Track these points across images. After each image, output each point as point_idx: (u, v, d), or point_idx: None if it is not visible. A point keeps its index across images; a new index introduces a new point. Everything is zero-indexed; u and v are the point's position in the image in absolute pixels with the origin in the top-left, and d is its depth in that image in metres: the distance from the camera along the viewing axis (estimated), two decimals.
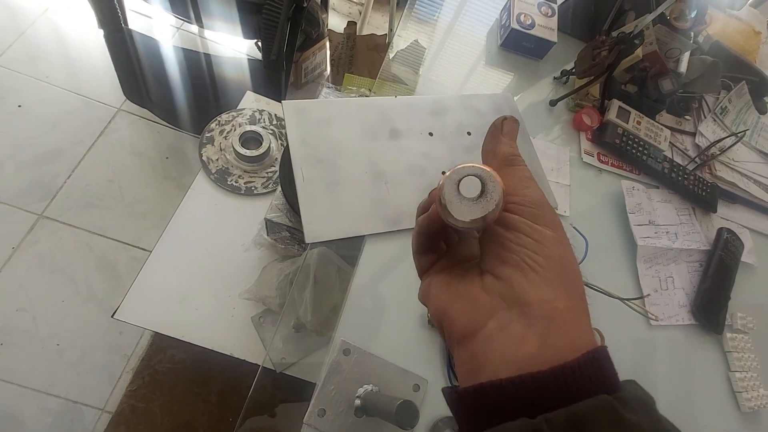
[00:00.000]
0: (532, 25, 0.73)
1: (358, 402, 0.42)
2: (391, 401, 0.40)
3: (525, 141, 0.67)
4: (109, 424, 1.08)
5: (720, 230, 0.67)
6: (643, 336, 0.59)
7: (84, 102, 1.45)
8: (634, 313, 0.57)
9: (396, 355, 0.49)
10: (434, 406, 0.48)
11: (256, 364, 0.83)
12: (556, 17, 0.75)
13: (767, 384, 0.61)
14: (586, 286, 0.55)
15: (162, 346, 1.18)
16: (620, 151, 0.69)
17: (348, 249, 0.63)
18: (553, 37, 0.73)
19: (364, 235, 0.55)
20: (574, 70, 0.72)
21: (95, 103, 1.45)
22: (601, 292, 0.55)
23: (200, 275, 0.82)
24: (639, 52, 0.65)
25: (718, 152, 0.76)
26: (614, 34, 0.66)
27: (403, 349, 0.50)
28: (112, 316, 0.77)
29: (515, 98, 0.74)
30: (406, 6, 0.79)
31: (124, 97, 1.37)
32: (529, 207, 0.22)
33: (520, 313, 0.20)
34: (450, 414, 0.47)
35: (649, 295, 0.53)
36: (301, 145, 0.57)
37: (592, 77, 0.69)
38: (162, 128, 1.45)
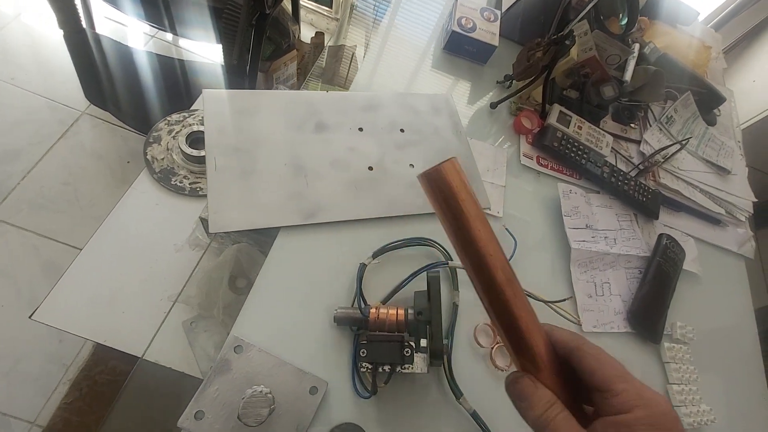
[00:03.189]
0: (474, 29, 0.73)
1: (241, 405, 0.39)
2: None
3: (461, 140, 0.66)
4: None
5: (660, 236, 0.65)
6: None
7: (48, 104, 1.43)
8: (564, 319, 0.54)
9: (298, 355, 0.45)
10: (332, 411, 0.44)
11: (187, 375, 0.78)
12: (498, 22, 0.75)
13: (708, 399, 0.58)
14: None
15: (104, 357, 1.12)
16: (559, 154, 0.68)
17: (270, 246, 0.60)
18: (494, 41, 0.73)
19: (277, 228, 0.52)
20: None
21: (59, 106, 1.44)
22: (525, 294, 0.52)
23: (132, 277, 0.78)
24: (574, 53, 0.65)
25: (662, 160, 0.75)
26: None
27: (306, 349, 0.46)
28: (29, 317, 0.72)
29: (458, 101, 0.73)
30: (351, 9, 0.79)
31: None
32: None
33: None
34: (348, 420, 0.43)
35: (571, 297, 0.51)
36: (217, 133, 0.55)
37: (530, 79, 0.68)
38: (126, 133, 1.43)
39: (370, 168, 0.59)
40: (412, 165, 0.61)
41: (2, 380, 1.05)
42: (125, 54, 1.31)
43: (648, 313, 0.59)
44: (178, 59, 1.43)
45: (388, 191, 0.58)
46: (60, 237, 1.24)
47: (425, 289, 0.46)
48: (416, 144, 0.63)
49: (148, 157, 0.90)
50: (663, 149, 0.76)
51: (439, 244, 0.55)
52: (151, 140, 0.93)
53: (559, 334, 0.28)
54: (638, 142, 0.78)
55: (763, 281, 1.53)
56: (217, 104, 0.57)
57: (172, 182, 0.89)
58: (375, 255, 0.52)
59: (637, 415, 0.25)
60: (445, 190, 0.26)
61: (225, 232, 0.63)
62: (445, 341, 0.41)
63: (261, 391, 0.42)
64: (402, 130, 0.64)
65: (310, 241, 0.52)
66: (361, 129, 0.62)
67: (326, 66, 1.56)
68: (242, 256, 0.59)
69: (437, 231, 0.57)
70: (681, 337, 0.60)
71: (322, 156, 0.58)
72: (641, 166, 0.74)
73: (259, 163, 0.54)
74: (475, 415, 0.46)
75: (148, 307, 0.77)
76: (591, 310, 0.58)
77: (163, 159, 0.91)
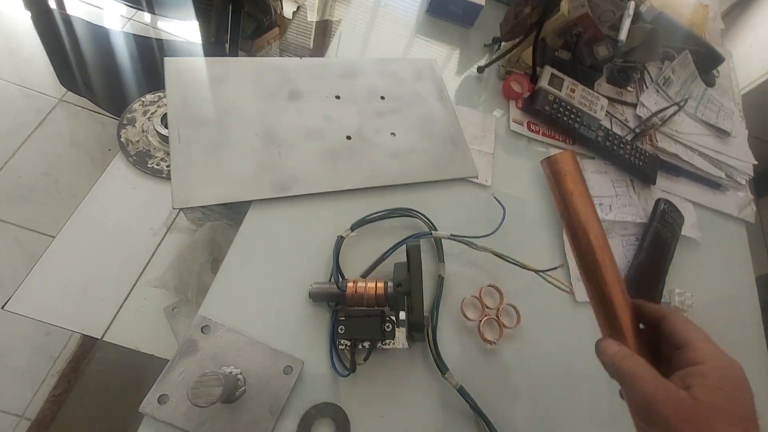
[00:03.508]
0: None
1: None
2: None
3: (446, 107, 0.62)
4: None
5: (657, 201, 0.62)
6: (568, 312, 0.53)
7: (22, 93, 1.38)
8: (556, 288, 0.51)
9: (272, 334, 0.43)
10: (309, 391, 0.41)
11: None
12: None
13: None
14: (501, 258, 0.49)
15: (92, 348, 1.10)
16: (551, 119, 0.64)
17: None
18: (480, 0, 0.69)
19: (248, 202, 0.48)
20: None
21: (34, 94, 1.38)
22: (514, 264, 0.49)
23: (108, 263, 0.75)
24: (565, 9, 0.60)
25: (660, 122, 0.71)
26: None
27: (280, 327, 0.43)
28: (1, 308, 0.69)
29: (443, 66, 0.69)
30: None
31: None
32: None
33: None
34: (327, 400, 0.40)
35: (562, 264, 0.48)
36: (181, 104, 0.51)
37: (519, 39, 0.64)
38: (105, 119, 1.38)
39: (348, 137, 0.55)
40: (393, 133, 0.57)
41: None
42: (98, 35, 1.25)
43: (645, 281, 0.56)
44: (156, 39, 1.37)
45: (368, 161, 0.54)
46: (42, 228, 1.20)
47: (406, 260, 0.43)
48: (398, 111, 0.60)
49: (123, 140, 0.86)
50: (660, 111, 0.72)
51: (422, 215, 0.51)
52: (125, 122, 0.89)
53: (650, 306, 0.33)
54: (634, 105, 0.74)
55: (764, 248, 1.51)
56: (180, 73, 0.53)
57: (149, 165, 0.86)
58: (353, 227, 0.48)
59: (711, 366, 0.29)
60: (558, 172, 0.34)
61: (201, 212, 0.59)
62: (426, 314, 0.38)
63: (231, 372, 0.39)
64: (382, 98, 0.60)
65: (283, 215, 0.49)
66: (338, 97, 0.58)
67: (314, 43, 1.50)
68: (218, 236, 0.56)
69: (420, 201, 0.54)
70: (679, 304, 0.57)
71: (297, 125, 0.54)
72: (637, 130, 0.70)
73: (227, 135, 0.51)
74: (461, 391, 0.43)
75: (126, 293, 0.74)
76: None
77: (138, 141, 0.87)
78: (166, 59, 0.53)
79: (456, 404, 0.44)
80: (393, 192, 0.54)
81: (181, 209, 0.60)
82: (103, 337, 0.65)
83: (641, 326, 0.33)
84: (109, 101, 1.08)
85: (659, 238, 0.59)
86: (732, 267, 0.66)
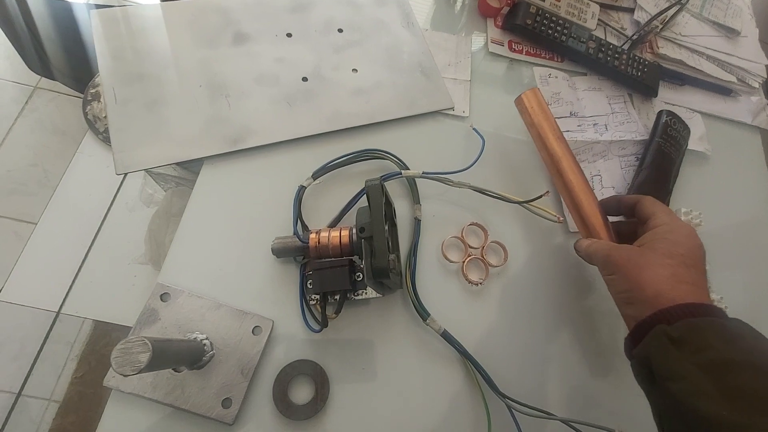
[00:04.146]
0: None
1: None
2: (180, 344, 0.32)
3: (413, 33, 0.56)
4: (57, 414, 1.04)
5: (660, 113, 0.56)
6: (559, 244, 0.49)
7: None
8: (543, 219, 0.46)
9: (237, 296, 0.40)
10: (283, 350, 0.39)
11: None
12: None
13: (717, 287, 0.51)
14: (482, 193, 0.45)
15: (106, 330, 1.12)
16: (534, 34, 0.57)
17: None
18: None
19: (200, 161, 0.45)
20: None
21: (9, 84, 1.34)
22: (497, 198, 0.44)
23: (92, 245, 0.74)
24: None
25: (660, 26, 0.63)
26: None
27: (246, 288, 0.41)
28: None
29: None
30: None
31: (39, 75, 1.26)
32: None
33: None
34: (302, 358, 0.38)
35: (548, 192, 0.43)
36: (113, 60, 0.46)
37: None
38: (81, 100, 1.34)
39: (305, 79, 0.50)
40: (354, 69, 0.52)
41: (12, 364, 1.07)
42: (57, 9, 1.18)
43: None
44: (119, 6, 1.29)
45: (329, 103, 0.49)
46: (37, 219, 1.21)
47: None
48: (359, 44, 0.54)
49: (90, 117, 0.83)
50: (661, 13, 0.63)
51: (391, 155, 0.47)
52: (89, 98, 0.85)
53: (626, 198, 0.42)
54: (631, 10, 0.65)
55: None
56: (109, 25, 0.48)
57: None
58: (315, 175, 0.44)
59: (662, 226, 0.36)
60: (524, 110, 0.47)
61: (173, 180, 0.56)
62: (391, 256, 0.35)
63: (196, 338, 0.37)
64: (340, 30, 0.54)
65: (240, 169, 0.45)
66: (289, 35, 0.52)
67: None
68: (180, 201, 0.52)
69: (391, 141, 0.49)
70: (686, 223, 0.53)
71: (245, 72, 0.49)
72: (635, 37, 0.62)
73: (168, 89, 0.46)
74: (445, 335, 0.40)
75: (113, 272, 0.73)
76: None
77: (105, 117, 0.83)
78: (92, 11, 0.48)
79: (441, 350, 0.42)
80: (360, 134, 0.49)
81: (140, 173, 0.56)
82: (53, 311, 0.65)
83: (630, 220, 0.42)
84: (72, 79, 1.04)
85: (662, 153, 0.53)
86: (745, 180, 0.60)
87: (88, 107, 0.83)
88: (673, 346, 0.29)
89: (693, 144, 0.57)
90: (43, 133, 1.30)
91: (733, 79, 0.64)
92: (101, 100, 0.85)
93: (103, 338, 1.13)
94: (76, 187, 0.76)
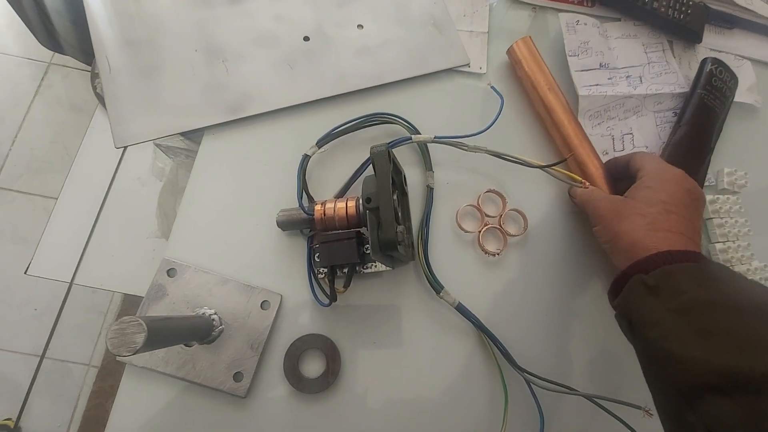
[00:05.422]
0: None
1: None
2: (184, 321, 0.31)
3: None
4: (97, 378, 1.11)
5: (703, 62, 0.50)
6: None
7: (13, 61, 1.34)
8: (567, 183, 0.43)
9: (245, 270, 0.39)
10: (293, 324, 0.39)
11: None
12: None
13: (761, 254, 0.47)
14: (500, 157, 0.41)
15: (135, 300, 1.17)
16: None
17: None
18: None
19: (201, 131, 0.43)
20: None
21: (24, 61, 1.35)
22: (516, 162, 0.41)
23: (109, 220, 0.75)
24: None
25: None
26: None
27: (253, 262, 0.40)
28: (25, 273, 0.72)
29: None
30: None
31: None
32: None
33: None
34: (312, 332, 0.38)
35: (572, 154, 0.40)
36: (105, 26, 0.44)
37: None
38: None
39: (306, 38, 0.46)
40: (360, 25, 0.48)
41: (53, 332, 1.13)
42: None
43: (684, 162, 0.46)
44: None
45: (333, 64, 0.46)
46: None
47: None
48: None
49: (98, 90, 0.82)
50: None
51: (400, 119, 0.44)
52: (96, 71, 0.83)
53: (620, 158, 0.41)
54: None
55: None
56: None
57: None
58: (319, 143, 0.42)
59: (648, 175, 0.36)
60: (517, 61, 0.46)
61: (181, 151, 0.55)
62: (399, 228, 0.32)
63: (204, 313, 0.37)
64: None
65: (241, 139, 0.43)
66: None
67: None
68: (187, 174, 0.51)
69: (401, 103, 0.46)
70: (729, 186, 0.48)
71: (242, 33, 0.46)
72: None
73: (163, 55, 0.44)
74: (460, 308, 0.39)
75: (132, 246, 0.75)
76: None
77: None
78: None
79: (456, 323, 0.40)
80: (367, 97, 0.46)
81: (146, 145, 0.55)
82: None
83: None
84: (82, 52, 1.02)
85: (704, 107, 0.47)
86: None
87: (97, 80, 0.82)
88: (650, 294, 0.29)
89: (740, 96, 0.51)
90: (60, 111, 1.32)
91: None
92: None
93: (133, 309, 1.18)
94: (89, 164, 0.76)
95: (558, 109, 0.44)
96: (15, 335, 1.12)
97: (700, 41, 0.53)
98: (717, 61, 0.49)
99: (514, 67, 0.48)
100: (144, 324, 0.23)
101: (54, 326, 0.92)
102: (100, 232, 0.73)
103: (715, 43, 0.54)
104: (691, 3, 0.52)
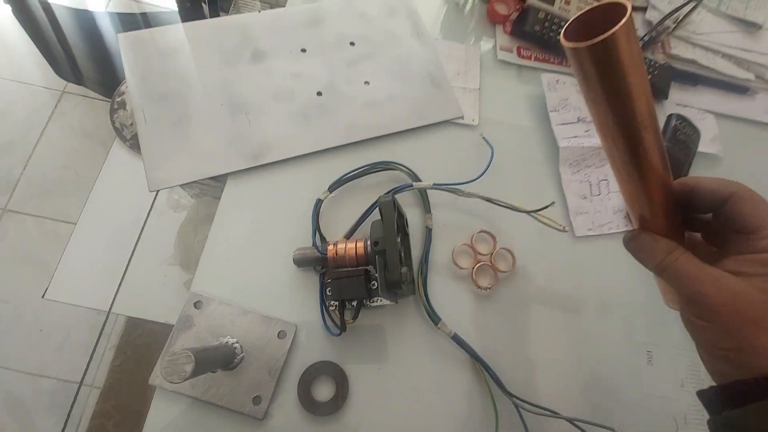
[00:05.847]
0: None
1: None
2: (215, 351, 0.36)
3: (423, 43, 0.57)
4: (99, 398, 1.13)
5: (669, 118, 0.56)
6: (566, 250, 0.51)
7: (27, 90, 1.40)
8: (548, 227, 0.48)
9: (263, 302, 0.44)
10: (306, 352, 0.43)
11: None
12: None
13: None
14: (491, 202, 0.47)
15: (139, 322, 1.20)
16: (542, 39, 0.58)
17: None
18: None
19: (225, 176, 0.48)
20: None
21: (39, 89, 1.41)
22: (505, 207, 0.46)
23: (125, 247, 0.79)
24: None
25: (673, 25, 0.62)
26: None
27: (271, 295, 0.45)
28: (42, 297, 0.76)
29: None
30: None
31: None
32: None
33: None
34: (323, 359, 0.42)
35: (554, 202, 0.45)
36: (141, 81, 0.49)
37: None
38: (108, 105, 1.40)
39: (319, 93, 0.52)
40: (367, 82, 0.54)
41: (57, 352, 1.15)
42: (82, 19, 1.23)
43: None
44: (140, 13, 1.33)
45: (342, 116, 0.52)
46: (74, 219, 1.28)
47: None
48: (370, 57, 0.55)
49: (117, 125, 0.87)
50: (675, 11, 0.63)
51: (403, 166, 0.49)
52: (115, 106, 0.89)
53: (707, 183, 0.27)
54: (643, 9, 0.65)
55: None
56: (136, 48, 0.51)
57: None
58: (331, 188, 0.47)
59: None
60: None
61: (198, 188, 0.60)
62: (403, 269, 0.37)
63: (227, 342, 0.41)
64: (352, 44, 0.56)
65: (261, 184, 0.49)
66: (303, 50, 0.55)
67: None
68: (205, 209, 0.56)
69: (403, 151, 0.52)
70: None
71: (263, 88, 0.52)
72: (646, 38, 0.62)
73: (192, 108, 0.49)
74: (456, 338, 0.43)
75: (147, 272, 0.79)
76: (585, 212, 0.52)
77: (132, 124, 0.88)
78: (120, 35, 0.51)
79: (452, 351, 0.44)
80: (373, 146, 0.52)
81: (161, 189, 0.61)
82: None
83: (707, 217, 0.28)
84: (100, 86, 1.08)
85: (670, 158, 0.53)
86: (761, 180, 0.60)
87: (115, 115, 0.87)
88: None
89: (705, 146, 0.58)
90: (72, 137, 1.37)
91: (751, 76, 0.63)
92: (127, 108, 0.89)
93: (136, 330, 1.20)
94: (108, 193, 0.81)
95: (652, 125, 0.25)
96: (22, 354, 1.14)
97: (667, 98, 0.59)
98: (680, 117, 0.56)
99: (593, 65, 0.20)
100: (192, 356, 0.27)
101: (92, 354, 0.95)
102: (119, 259, 0.77)
103: (681, 99, 0.61)
104: (657, 64, 0.59)
